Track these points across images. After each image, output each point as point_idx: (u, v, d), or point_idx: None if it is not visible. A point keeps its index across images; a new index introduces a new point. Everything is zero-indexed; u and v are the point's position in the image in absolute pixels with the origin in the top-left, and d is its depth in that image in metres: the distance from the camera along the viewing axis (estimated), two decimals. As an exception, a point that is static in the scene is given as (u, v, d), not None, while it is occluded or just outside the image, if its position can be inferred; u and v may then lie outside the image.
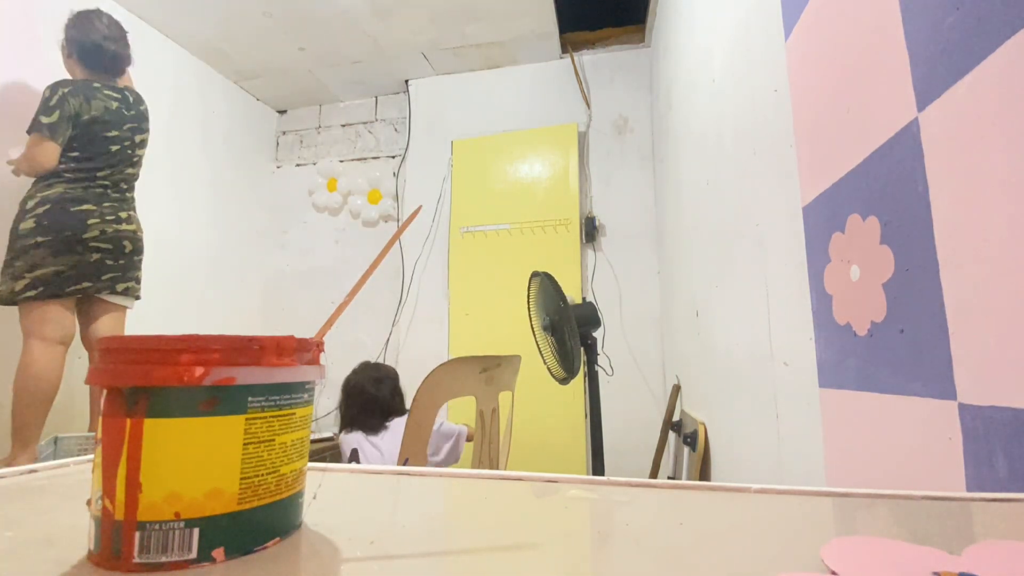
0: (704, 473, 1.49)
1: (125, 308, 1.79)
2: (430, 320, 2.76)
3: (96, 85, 1.73)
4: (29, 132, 1.62)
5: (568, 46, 2.73)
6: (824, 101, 0.74)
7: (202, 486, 0.23)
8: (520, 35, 2.64)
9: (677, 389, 2.01)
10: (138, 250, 1.78)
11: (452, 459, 1.74)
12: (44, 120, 1.61)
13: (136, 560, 0.22)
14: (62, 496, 0.34)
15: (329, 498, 0.33)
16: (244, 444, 0.24)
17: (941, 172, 0.50)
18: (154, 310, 2.17)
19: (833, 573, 0.21)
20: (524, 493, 0.36)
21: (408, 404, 1.80)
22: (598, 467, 1.46)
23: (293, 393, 0.27)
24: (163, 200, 2.48)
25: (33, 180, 1.66)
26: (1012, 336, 0.42)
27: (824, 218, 0.74)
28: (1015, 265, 0.42)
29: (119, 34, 1.81)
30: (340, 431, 1.79)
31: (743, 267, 1.16)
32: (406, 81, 3.04)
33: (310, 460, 0.30)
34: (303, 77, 2.98)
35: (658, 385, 2.43)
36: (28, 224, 1.58)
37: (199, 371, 0.23)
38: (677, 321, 2.07)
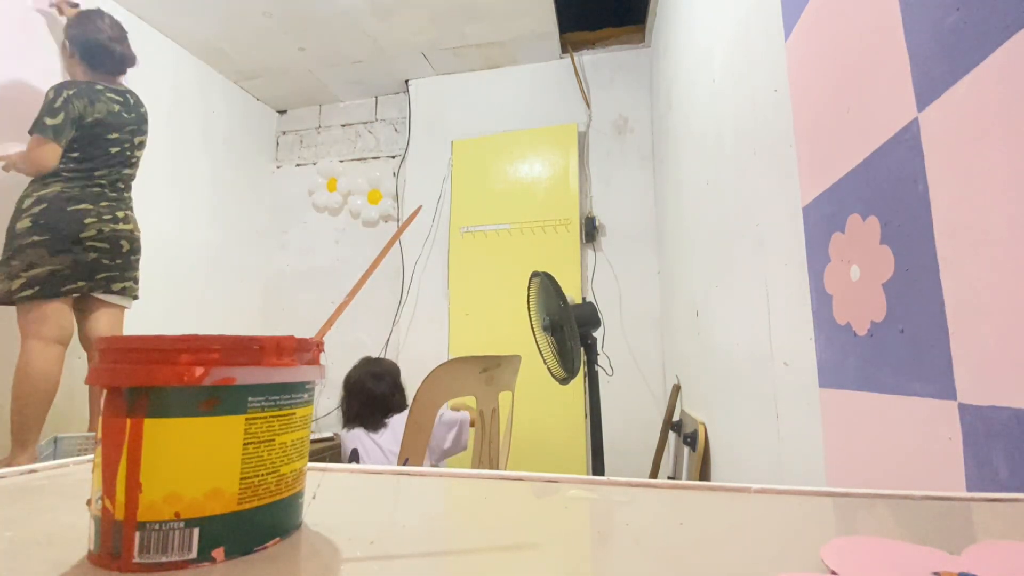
0: (704, 473, 1.49)
1: (123, 308, 1.78)
2: (430, 320, 2.76)
3: (99, 87, 1.73)
4: (31, 132, 1.62)
5: (568, 46, 2.73)
6: (824, 101, 0.74)
7: (202, 486, 0.23)
8: (520, 35, 2.64)
9: (677, 389, 2.01)
10: (135, 250, 1.78)
11: (458, 447, 1.73)
12: (48, 122, 1.61)
13: (136, 560, 0.22)
14: (62, 496, 0.34)
15: (329, 498, 0.33)
16: (244, 444, 0.24)
17: (941, 172, 0.50)
18: (154, 310, 2.18)
19: (833, 573, 0.21)
20: (524, 493, 0.36)
21: (410, 400, 1.81)
22: (598, 467, 1.46)
23: (293, 393, 0.27)
24: (163, 200, 2.48)
25: (30, 179, 1.66)
26: (1012, 336, 0.42)
27: (824, 218, 0.74)
28: (1015, 265, 0.42)
29: (121, 34, 1.82)
30: (343, 428, 1.79)
31: (743, 267, 1.16)
32: (406, 81, 3.04)
33: (310, 460, 0.30)
34: (303, 77, 2.98)
35: (658, 385, 2.43)
36: (24, 223, 1.58)
37: (199, 371, 0.23)
38: (677, 321, 2.07)
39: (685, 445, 1.70)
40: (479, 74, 2.94)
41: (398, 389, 1.82)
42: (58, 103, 1.62)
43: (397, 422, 1.72)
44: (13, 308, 1.60)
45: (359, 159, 3.16)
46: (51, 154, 1.61)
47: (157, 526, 0.23)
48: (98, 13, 1.80)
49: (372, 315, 2.89)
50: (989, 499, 0.32)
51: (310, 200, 3.18)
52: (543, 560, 0.25)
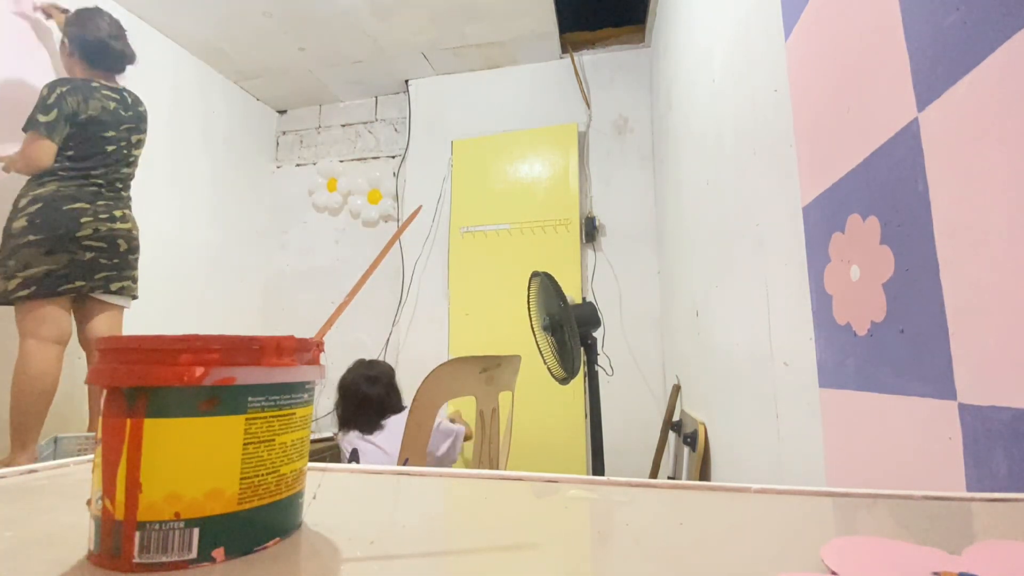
0: (704, 473, 1.49)
1: (122, 307, 1.77)
2: (430, 320, 2.76)
3: (95, 84, 1.72)
4: (25, 130, 1.61)
5: (568, 46, 2.73)
6: (824, 101, 0.74)
7: (202, 486, 0.23)
8: (520, 35, 2.64)
9: (677, 389, 2.01)
10: (133, 249, 1.77)
11: (448, 459, 1.74)
12: (41, 119, 1.60)
13: (136, 560, 0.22)
14: (62, 496, 0.34)
15: (329, 498, 0.33)
16: (244, 444, 0.24)
17: (941, 172, 0.50)
18: (154, 310, 2.17)
19: (833, 573, 0.21)
20: (524, 493, 0.36)
21: (406, 401, 1.81)
22: (598, 467, 1.46)
23: (293, 393, 0.27)
24: (163, 200, 2.48)
25: (27, 179, 1.65)
26: (1012, 336, 0.42)
27: (824, 218, 0.74)
28: (1015, 265, 0.42)
29: (120, 32, 1.81)
30: (338, 431, 1.79)
31: (743, 267, 1.16)
32: (406, 81, 3.04)
33: (310, 460, 0.30)
34: (303, 77, 2.98)
35: (658, 385, 2.43)
36: (20, 223, 1.58)
37: (199, 371, 0.23)
38: (677, 321, 2.07)
39: (685, 445, 1.70)
40: (479, 74, 2.94)
41: (393, 391, 1.82)
42: (51, 99, 1.61)
43: (393, 423, 1.71)
44: (13, 308, 1.60)
45: (359, 159, 3.16)
46: (46, 151, 1.60)
47: (157, 526, 0.23)
48: (97, 11, 1.80)
49: (372, 315, 2.89)
50: (989, 499, 0.32)
51: (310, 200, 3.18)
52: (543, 560, 0.25)
